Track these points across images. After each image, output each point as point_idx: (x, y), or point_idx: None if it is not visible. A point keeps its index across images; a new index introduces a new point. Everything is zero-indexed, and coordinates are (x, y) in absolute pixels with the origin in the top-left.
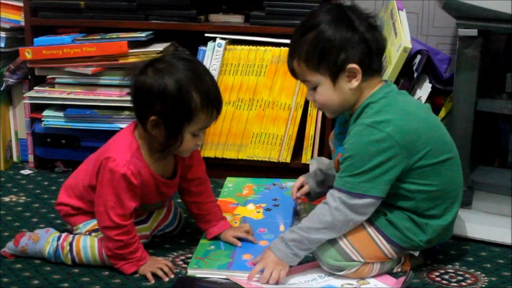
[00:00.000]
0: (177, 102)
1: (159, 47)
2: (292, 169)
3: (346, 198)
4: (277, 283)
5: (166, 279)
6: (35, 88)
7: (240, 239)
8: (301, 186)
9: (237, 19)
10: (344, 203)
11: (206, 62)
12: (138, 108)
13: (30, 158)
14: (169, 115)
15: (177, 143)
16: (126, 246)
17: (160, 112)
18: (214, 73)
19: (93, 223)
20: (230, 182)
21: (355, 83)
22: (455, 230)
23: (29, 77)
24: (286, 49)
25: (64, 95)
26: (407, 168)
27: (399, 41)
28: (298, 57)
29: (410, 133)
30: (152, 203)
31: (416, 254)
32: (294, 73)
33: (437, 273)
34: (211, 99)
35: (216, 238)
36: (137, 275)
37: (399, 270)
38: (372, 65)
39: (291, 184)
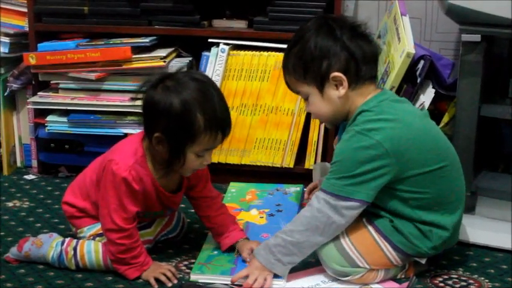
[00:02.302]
0: (181, 122)
1: (163, 52)
2: (295, 174)
3: (330, 199)
4: None
5: (170, 284)
6: (38, 93)
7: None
8: (314, 188)
9: (240, 24)
10: (328, 204)
11: (209, 68)
12: (145, 122)
13: (34, 163)
14: (172, 134)
15: (179, 161)
16: (128, 251)
17: (164, 129)
18: (218, 78)
19: (97, 227)
20: (233, 187)
21: (342, 90)
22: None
23: (33, 82)
24: None
25: (68, 100)
26: (400, 176)
27: (402, 47)
28: (288, 70)
29: (401, 142)
30: (154, 211)
31: (423, 261)
32: (289, 86)
33: (440, 279)
34: (216, 122)
35: (232, 249)
36: (140, 280)
37: (403, 276)
38: (360, 73)
39: (294, 189)
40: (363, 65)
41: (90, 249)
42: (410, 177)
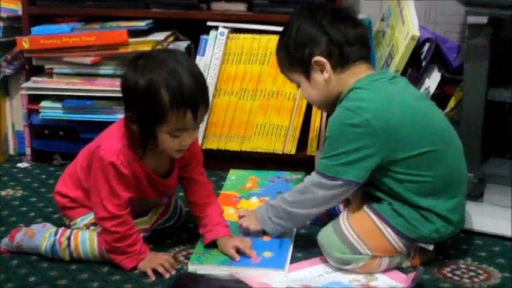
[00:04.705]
0: (146, 101)
1: (160, 36)
2: (297, 161)
3: (320, 179)
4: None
5: (167, 275)
6: (32, 78)
7: (238, 251)
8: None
9: (239, 7)
10: (318, 184)
11: (208, 51)
12: (123, 101)
13: (28, 150)
14: (140, 113)
15: (152, 142)
16: (123, 238)
17: (133, 109)
18: (217, 62)
19: (91, 217)
20: (233, 175)
21: (326, 74)
22: (466, 223)
23: (26, 67)
24: None
25: (62, 86)
26: (392, 157)
27: (407, 29)
28: (278, 60)
29: (392, 121)
30: (148, 198)
31: (430, 247)
32: (284, 75)
33: (448, 269)
34: (183, 100)
35: (214, 245)
36: (137, 271)
37: (409, 264)
38: (344, 55)
39: (295, 177)
40: (347, 47)
41: (85, 238)
42: (404, 159)
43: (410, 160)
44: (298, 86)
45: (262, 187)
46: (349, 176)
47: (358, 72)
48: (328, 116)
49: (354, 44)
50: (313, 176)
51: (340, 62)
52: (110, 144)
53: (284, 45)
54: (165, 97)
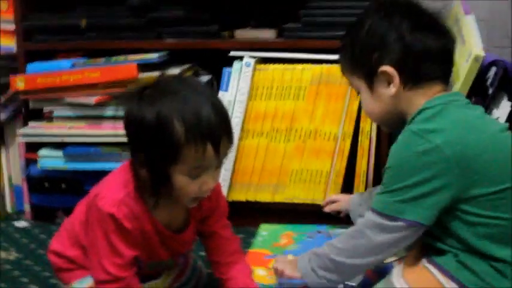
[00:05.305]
0: (156, 137)
1: (176, 69)
2: None
3: (378, 219)
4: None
5: None
6: (29, 124)
7: None
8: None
9: (268, 34)
10: (375, 226)
11: (233, 86)
12: (128, 142)
13: (26, 207)
14: (149, 154)
15: (165, 186)
16: None
17: (141, 150)
18: (243, 98)
19: (89, 280)
20: (265, 230)
21: (392, 89)
22: None
23: (23, 110)
24: (329, 66)
25: (64, 131)
26: (464, 193)
27: (468, 49)
28: (340, 58)
29: (468, 149)
30: (160, 259)
31: None
32: (344, 75)
33: None
34: (200, 130)
35: None
36: None
37: None
38: (419, 71)
39: (339, 231)
40: (424, 61)
41: None
42: (479, 197)
43: (487, 199)
44: (358, 93)
45: (300, 244)
46: (413, 216)
47: (431, 93)
48: (377, 158)
49: (434, 59)
50: (369, 216)
51: (413, 78)
52: (111, 192)
53: (350, 44)
54: (179, 129)
